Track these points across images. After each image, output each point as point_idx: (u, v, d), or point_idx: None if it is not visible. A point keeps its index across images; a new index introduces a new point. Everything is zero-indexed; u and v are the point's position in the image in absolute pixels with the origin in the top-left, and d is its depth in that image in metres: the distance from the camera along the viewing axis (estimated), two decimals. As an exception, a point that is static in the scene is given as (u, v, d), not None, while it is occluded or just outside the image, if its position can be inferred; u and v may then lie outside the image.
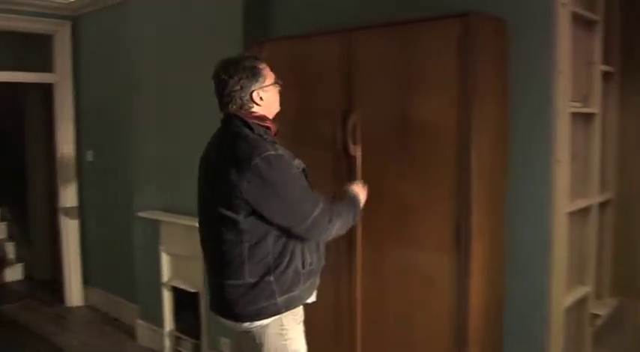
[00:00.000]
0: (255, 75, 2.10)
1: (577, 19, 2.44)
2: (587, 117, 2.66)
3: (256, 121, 2.09)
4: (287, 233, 2.05)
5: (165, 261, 4.02)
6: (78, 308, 5.22)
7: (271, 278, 2.05)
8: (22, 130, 6.13)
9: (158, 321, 4.16)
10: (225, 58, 2.18)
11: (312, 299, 2.24)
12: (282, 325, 2.12)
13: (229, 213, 2.02)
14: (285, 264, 2.06)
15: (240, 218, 2.01)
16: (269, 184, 1.97)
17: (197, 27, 3.66)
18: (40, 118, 5.89)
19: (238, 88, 2.09)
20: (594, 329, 2.78)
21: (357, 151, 2.53)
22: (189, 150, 3.66)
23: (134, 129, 4.30)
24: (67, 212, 5.22)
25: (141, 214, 4.10)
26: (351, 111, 2.55)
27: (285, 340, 2.13)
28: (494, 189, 2.39)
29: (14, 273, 6.18)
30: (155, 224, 4.02)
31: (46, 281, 5.98)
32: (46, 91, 5.45)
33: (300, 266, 2.10)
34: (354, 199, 2.27)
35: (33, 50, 5.32)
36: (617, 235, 2.94)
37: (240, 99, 2.10)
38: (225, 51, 3.10)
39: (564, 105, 2.35)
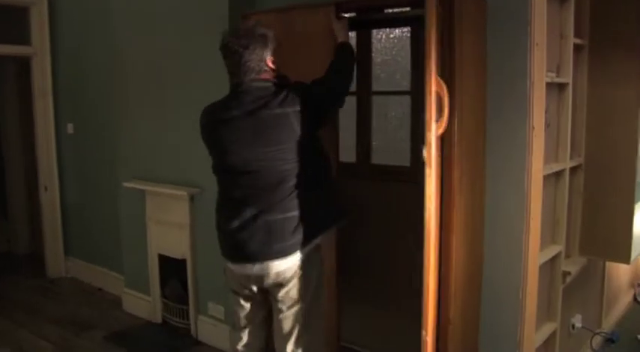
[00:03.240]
0: (267, 42, 2.31)
1: (551, -5, 2.61)
2: (560, 87, 2.84)
3: (272, 78, 2.36)
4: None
5: (151, 229, 4.12)
6: (60, 279, 5.28)
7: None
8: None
9: (144, 289, 4.27)
10: (233, 29, 2.39)
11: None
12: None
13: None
14: None
15: None
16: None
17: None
18: (14, 92, 5.87)
19: (255, 56, 2.28)
20: (564, 286, 2.99)
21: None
22: (174, 121, 3.78)
23: (117, 100, 4.36)
24: (47, 185, 5.24)
25: (127, 185, 4.17)
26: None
27: None
28: (473, 152, 2.55)
29: (-7, 248, 6.18)
30: (141, 194, 4.10)
31: (26, 255, 6.03)
32: (20, 64, 5.44)
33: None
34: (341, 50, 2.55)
35: (6, 22, 5.27)
36: (585, 198, 3.14)
37: (258, 66, 2.30)
38: (210, 23, 3.19)
39: (540, 76, 2.50)
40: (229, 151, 2.37)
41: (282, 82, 2.38)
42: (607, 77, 3.02)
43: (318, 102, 2.38)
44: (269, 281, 2.38)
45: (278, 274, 2.35)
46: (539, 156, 2.56)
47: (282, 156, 2.29)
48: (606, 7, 2.97)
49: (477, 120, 2.56)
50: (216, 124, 2.41)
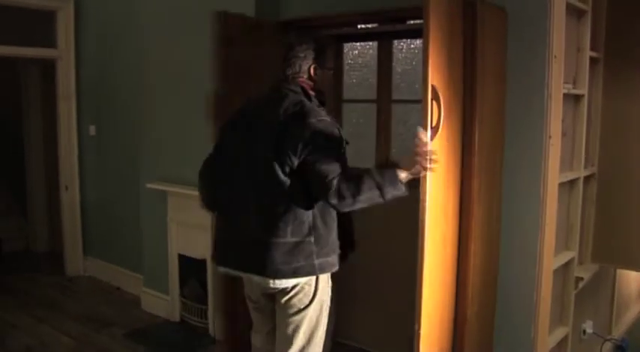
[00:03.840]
0: (321, 52, 2.35)
1: (570, 9, 2.70)
2: (576, 98, 2.93)
3: (308, 88, 2.33)
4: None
5: (172, 230, 4.22)
6: (79, 277, 5.40)
7: (312, 239, 2.25)
8: (18, 107, 6.20)
9: (163, 288, 4.37)
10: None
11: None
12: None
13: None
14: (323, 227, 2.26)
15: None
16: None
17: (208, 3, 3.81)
18: (38, 94, 6.01)
19: (302, 55, 2.33)
20: (577, 291, 3.07)
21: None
22: (196, 123, 3.86)
23: (141, 102, 4.47)
24: (68, 184, 5.37)
25: (149, 185, 4.28)
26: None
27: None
28: (492, 160, 2.64)
29: (12, 246, 6.29)
30: (163, 195, 4.21)
31: (44, 253, 6.16)
32: (44, 67, 5.57)
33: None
34: (385, 176, 2.11)
35: (32, 25, 5.39)
36: (598, 207, 3.22)
37: (300, 66, 2.33)
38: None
39: (557, 87, 2.60)
40: (236, 156, 2.37)
41: (319, 98, 2.36)
42: (622, 90, 3.12)
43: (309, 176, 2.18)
44: (270, 289, 2.34)
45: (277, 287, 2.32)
46: (555, 165, 2.65)
47: (273, 179, 2.21)
48: (622, 22, 3.07)
49: (495, 129, 2.65)
50: (230, 124, 2.43)
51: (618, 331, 3.93)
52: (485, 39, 2.47)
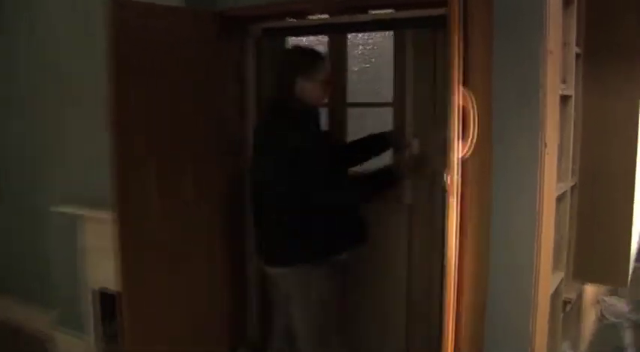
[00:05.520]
0: (296, 66, 2.49)
1: (560, -1, 2.37)
2: (562, 100, 2.60)
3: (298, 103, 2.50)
4: None
5: (89, 260, 3.61)
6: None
7: None
8: None
9: (80, 327, 3.77)
10: None
11: None
12: None
13: None
14: None
15: None
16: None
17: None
18: None
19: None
20: (564, 314, 2.78)
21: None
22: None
23: (46, 111, 3.87)
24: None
25: (57, 209, 3.66)
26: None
27: None
28: (483, 171, 2.27)
29: None
30: (73, 219, 3.59)
31: None
32: None
33: None
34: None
35: None
36: (579, 221, 2.92)
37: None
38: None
39: (553, 88, 2.26)
40: None
41: (293, 106, 2.53)
42: (603, 88, 2.82)
43: None
44: None
45: None
46: (552, 176, 2.32)
47: None
48: (604, 15, 2.79)
49: (483, 135, 2.28)
50: None
51: (584, 345, 3.72)
52: (473, 33, 2.09)
